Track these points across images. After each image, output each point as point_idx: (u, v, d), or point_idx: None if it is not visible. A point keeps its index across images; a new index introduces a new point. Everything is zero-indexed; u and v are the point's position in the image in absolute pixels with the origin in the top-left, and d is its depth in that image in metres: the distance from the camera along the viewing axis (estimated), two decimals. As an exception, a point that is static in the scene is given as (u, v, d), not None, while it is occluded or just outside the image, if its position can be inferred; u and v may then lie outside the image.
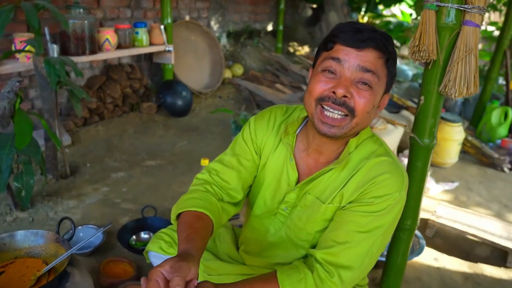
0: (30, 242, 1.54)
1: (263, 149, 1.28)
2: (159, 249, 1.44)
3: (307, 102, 1.11)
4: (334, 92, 1.03)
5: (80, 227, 2.11)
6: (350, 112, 1.04)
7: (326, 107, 1.05)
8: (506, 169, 3.48)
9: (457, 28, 1.43)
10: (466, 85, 1.42)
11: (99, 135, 3.43)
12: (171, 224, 2.12)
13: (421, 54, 1.43)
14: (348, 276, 1.07)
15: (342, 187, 1.13)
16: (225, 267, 1.38)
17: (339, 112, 1.05)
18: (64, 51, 3.08)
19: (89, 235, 2.04)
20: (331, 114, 1.05)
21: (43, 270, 1.38)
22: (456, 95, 1.44)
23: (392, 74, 1.10)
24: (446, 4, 1.41)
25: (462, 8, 1.39)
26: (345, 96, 1.03)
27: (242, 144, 1.30)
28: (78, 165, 2.91)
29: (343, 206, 1.13)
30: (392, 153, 1.17)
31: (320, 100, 1.06)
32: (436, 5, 1.43)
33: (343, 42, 1.04)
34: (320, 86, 1.06)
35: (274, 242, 1.32)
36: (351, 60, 1.03)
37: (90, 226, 2.13)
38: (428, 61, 1.48)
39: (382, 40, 1.04)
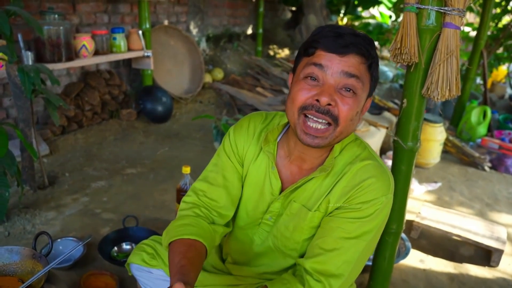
0: (4, 260, 1.48)
1: (245, 159, 1.25)
2: (142, 261, 1.40)
3: (289, 111, 1.07)
4: (317, 100, 1.00)
5: (59, 240, 2.05)
6: (334, 120, 1.01)
7: (309, 116, 1.02)
8: (486, 168, 3.53)
9: (438, 30, 1.42)
10: (448, 87, 1.41)
11: (78, 143, 3.35)
12: (153, 234, 2.08)
13: (403, 57, 1.42)
14: (338, 285, 1.05)
15: (328, 194, 1.11)
16: (211, 278, 1.35)
17: (323, 121, 1.02)
18: (39, 58, 3.00)
19: (69, 248, 1.99)
20: (314, 125, 1.02)
21: (19, 288, 1.32)
22: (439, 97, 1.43)
23: (375, 78, 1.08)
24: (426, 6, 1.40)
25: (442, 10, 1.39)
26: (329, 104, 1.00)
27: (224, 158, 1.26)
28: (56, 175, 2.83)
29: (330, 213, 1.11)
30: (377, 156, 1.15)
31: (303, 109, 1.03)
32: (417, 7, 1.42)
33: (324, 48, 1.01)
34: (303, 94, 1.03)
35: (260, 252, 1.29)
36: (334, 67, 1.00)
37: (70, 238, 2.07)
38: (410, 64, 1.47)
39: (364, 45, 1.02)
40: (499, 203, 2.99)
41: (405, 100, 1.54)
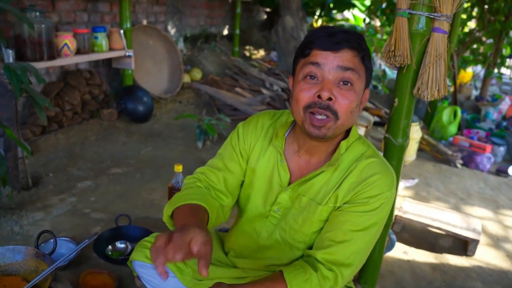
0: (6, 260, 1.47)
1: (251, 154, 1.31)
2: (145, 258, 1.42)
3: (294, 110, 1.15)
4: (319, 96, 1.08)
5: (51, 240, 2.03)
6: (334, 115, 1.09)
7: (313, 112, 1.10)
8: (458, 165, 3.71)
9: (427, 35, 1.52)
10: (437, 88, 1.51)
11: (59, 143, 3.30)
12: (147, 232, 2.10)
13: (397, 59, 1.51)
14: (348, 273, 1.12)
15: (336, 189, 1.18)
16: (216, 271, 1.39)
17: (323, 117, 1.10)
18: (19, 56, 2.94)
19: (63, 248, 1.99)
20: (319, 117, 1.10)
21: (25, 287, 1.33)
22: (429, 97, 1.53)
23: (369, 70, 1.17)
24: (417, 12, 1.50)
25: (432, 16, 1.49)
26: (329, 99, 1.08)
27: (229, 149, 1.34)
28: (40, 176, 2.79)
29: (338, 207, 1.18)
30: (380, 154, 1.24)
31: (308, 108, 1.11)
32: (408, 13, 1.51)
33: (319, 47, 1.09)
34: (305, 94, 1.11)
35: (267, 245, 1.34)
36: (330, 63, 1.08)
37: (63, 238, 2.05)
38: (402, 66, 1.56)
39: (355, 40, 1.10)
40: (471, 197, 3.16)
41: (396, 100, 1.63)
